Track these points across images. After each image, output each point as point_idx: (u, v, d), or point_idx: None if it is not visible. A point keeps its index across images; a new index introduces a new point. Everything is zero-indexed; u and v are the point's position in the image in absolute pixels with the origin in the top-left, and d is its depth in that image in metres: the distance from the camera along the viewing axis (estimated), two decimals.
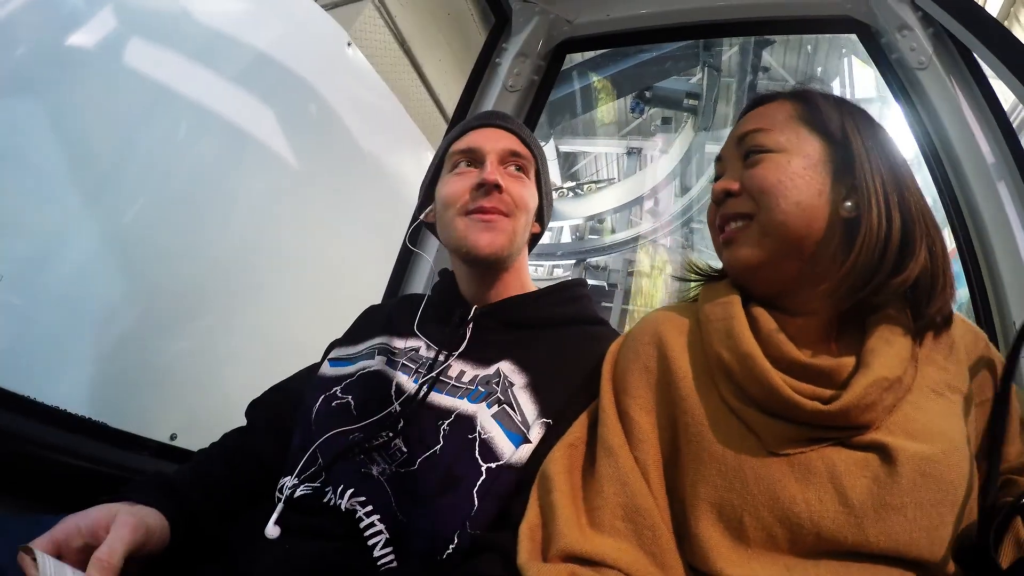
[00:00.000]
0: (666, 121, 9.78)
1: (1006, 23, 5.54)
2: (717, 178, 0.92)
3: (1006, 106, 1.46)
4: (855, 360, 0.77)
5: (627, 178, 11.12)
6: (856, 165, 0.81)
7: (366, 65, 2.45)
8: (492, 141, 1.14)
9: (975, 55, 1.43)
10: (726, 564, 0.72)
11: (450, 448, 0.92)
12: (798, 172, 0.82)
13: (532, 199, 1.15)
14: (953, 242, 1.47)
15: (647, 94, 8.91)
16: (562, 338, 1.08)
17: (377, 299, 1.63)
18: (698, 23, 1.76)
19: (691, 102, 8.79)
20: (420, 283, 1.79)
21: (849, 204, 0.80)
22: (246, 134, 1.83)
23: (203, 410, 1.56)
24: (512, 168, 1.14)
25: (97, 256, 1.45)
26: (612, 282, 11.42)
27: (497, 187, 1.07)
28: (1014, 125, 1.44)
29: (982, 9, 1.41)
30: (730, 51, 8.17)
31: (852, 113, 0.87)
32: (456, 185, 1.11)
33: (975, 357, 0.83)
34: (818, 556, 0.70)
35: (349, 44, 2.38)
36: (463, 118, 1.88)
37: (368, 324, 1.22)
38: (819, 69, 8.94)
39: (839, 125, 0.85)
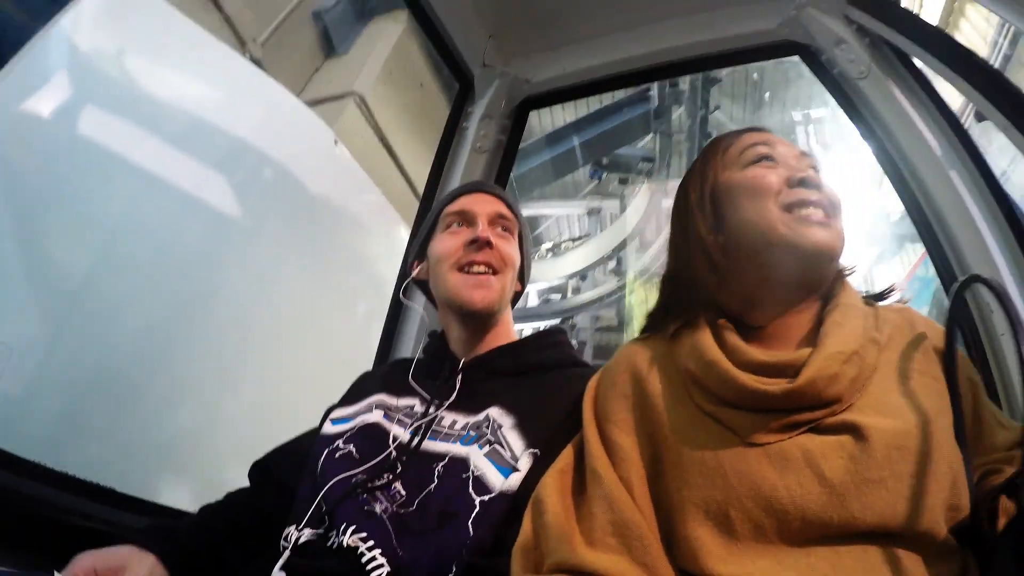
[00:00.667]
0: (623, 181, 10.30)
1: (949, 23, 5.76)
2: (766, 156, 0.95)
3: (952, 102, 1.51)
4: (812, 350, 0.81)
5: (600, 234, 11.38)
6: None
7: (350, 160, 2.58)
8: (482, 204, 1.25)
9: (912, 58, 1.50)
10: (716, 562, 0.73)
11: (445, 487, 0.97)
12: None
13: (517, 257, 1.26)
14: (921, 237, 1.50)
15: (604, 161, 9.53)
16: (545, 381, 1.15)
17: (366, 363, 1.65)
18: (648, 67, 1.86)
19: (646, 165, 9.46)
20: (408, 345, 1.81)
21: None
22: (239, 223, 1.90)
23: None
24: (500, 229, 1.24)
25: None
26: (580, 339, 11.44)
27: (488, 244, 1.17)
28: (964, 121, 1.48)
29: (911, 13, 1.49)
30: (679, 110, 8.74)
31: None
32: (450, 242, 1.21)
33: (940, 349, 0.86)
34: (808, 544, 0.71)
35: (336, 142, 2.51)
36: (437, 180, 1.97)
37: (363, 387, 1.28)
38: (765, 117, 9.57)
39: None
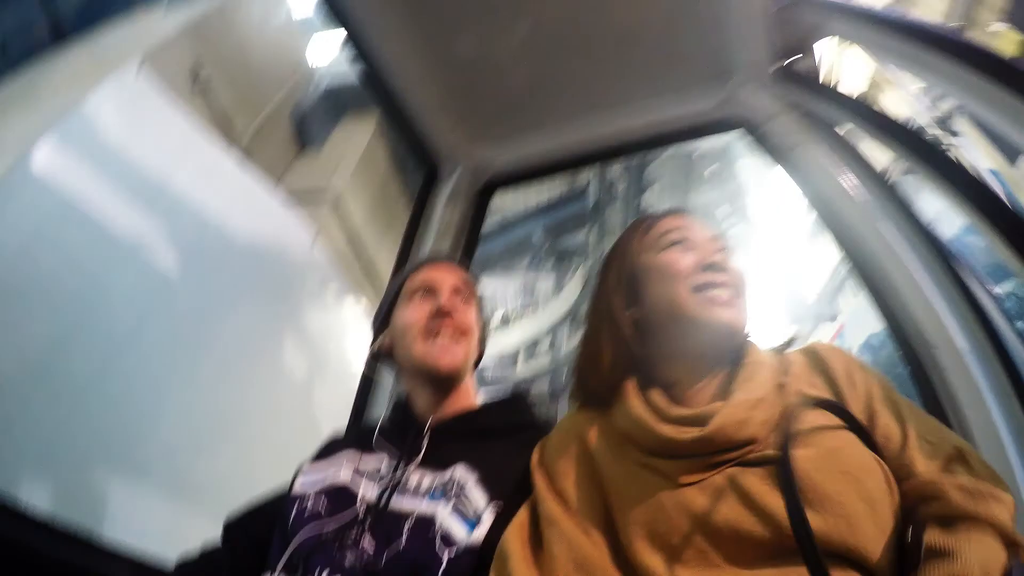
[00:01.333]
0: (560, 260, 11.39)
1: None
2: (680, 240, 1.06)
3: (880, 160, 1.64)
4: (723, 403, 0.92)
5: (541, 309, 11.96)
6: None
7: (324, 259, 2.66)
8: (444, 276, 1.33)
9: (834, 126, 1.64)
10: None
11: (413, 544, 1.00)
12: None
13: (477, 325, 1.33)
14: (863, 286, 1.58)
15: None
16: (510, 442, 1.18)
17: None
18: (603, 148, 2.00)
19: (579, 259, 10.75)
20: (377, 411, 1.79)
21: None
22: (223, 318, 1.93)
23: None
24: (460, 298, 1.31)
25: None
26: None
27: (454, 311, 1.25)
28: (890, 176, 1.60)
29: (831, 88, 1.65)
30: (615, 205, 9.78)
31: None
32: (415, 312, 1.27)
33: (847, 383, 0.94)
34: (754, 565, 0.76)
35: (313, 244, 2.59)
36: (405, 259, 2.02)
37: (333, 447, 1.29)
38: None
39: None
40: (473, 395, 1.33)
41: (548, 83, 1.90)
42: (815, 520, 0.74)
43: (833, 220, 1.62)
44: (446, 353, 1.22)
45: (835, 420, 0.86)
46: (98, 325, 1.61)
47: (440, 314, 1.24)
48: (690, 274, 1.00)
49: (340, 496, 1.11)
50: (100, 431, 1.57)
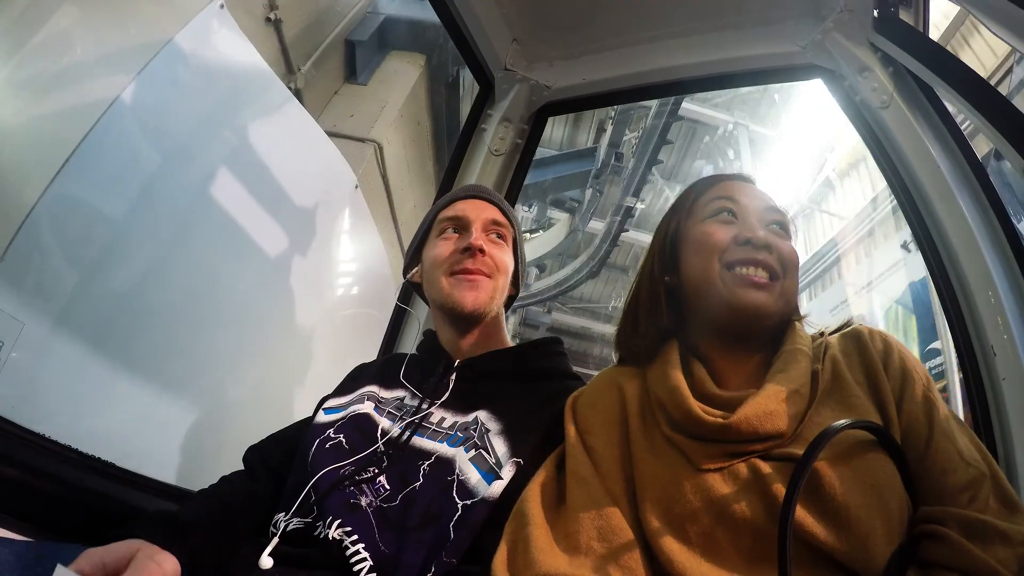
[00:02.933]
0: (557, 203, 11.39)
1: (950, 46, 5.65)
2: (719, 211, 1.02)
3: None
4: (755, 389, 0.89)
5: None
6: None
7: (364, 205, 2.65)
8: (477, 211, 1.28)
9: (935, 90, 1.47)
10: (677, 566, 0.78)
11: (430, 486, 1.00)
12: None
13: (511, 263, 1.30)
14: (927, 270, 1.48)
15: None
16: (537, 390, 1.18)
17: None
18: (668, 81, 1.85)
19: (572, 203, 10.98)
20: (410, 342, 1.83)
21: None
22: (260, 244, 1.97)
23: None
24: (494, 236, 1.27)
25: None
26: None
27: (481, 251, 1.20)
28: (978, 154, 1.45)
29: (938, 45, 1.46)
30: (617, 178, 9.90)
31: None
32: (444, 248, 1.24)
33: (882, 364, 0.91)
34: (762, 560, 0.75)
35: (356, 187, 2.58)
36: (452, 181, 1.98)
37: (357, 378, 1.32)
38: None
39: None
40: (504, 334, 1.32)
41: (617, 3, 1.74)
42: (829, 531, 0.73)
43: (911, 192, 1.50)
44: (471, 292, 1.19)
45: (868, 435, 0.81)
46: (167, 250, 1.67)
47: (468, 251, 1.20)
48: (726, 248, 0.96)
49: (361, 429, 1.12)
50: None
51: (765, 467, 0.80)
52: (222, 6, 1.87)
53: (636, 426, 0.94)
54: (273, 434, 1.28)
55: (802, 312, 1.04)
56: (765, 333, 0.97)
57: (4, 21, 1.36)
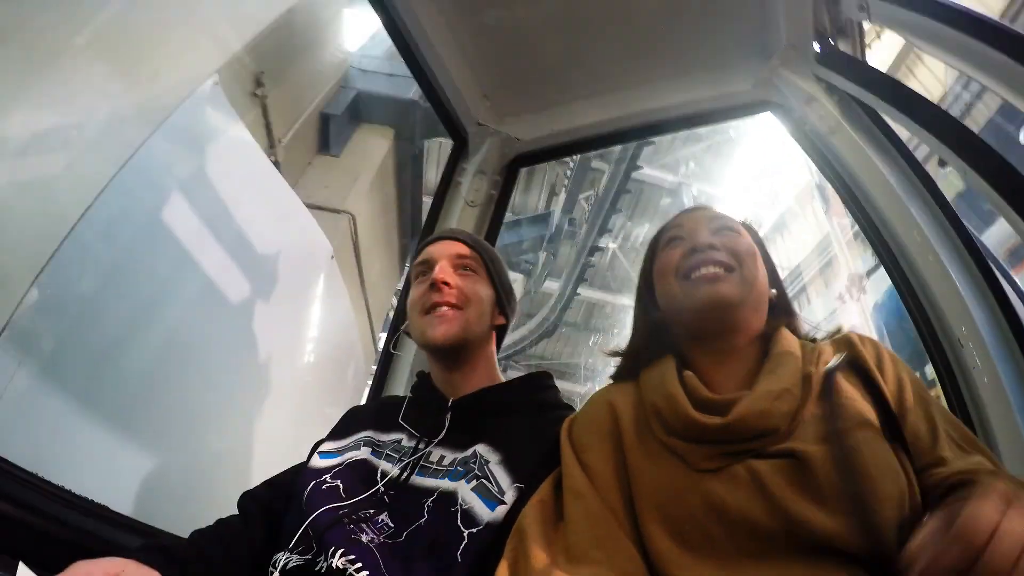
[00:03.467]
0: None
1: (899, 74, 6.06)
2: (669, 241, 1.09)
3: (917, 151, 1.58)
4: (748, 391, 0.91)
5: None
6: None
7: (338, 274, 2.74)
8: (441, 249, 1.32)
9: (877, 111, 1.58)
10: (675, 568, 0.80)
11: (435, 520, 1.01)
12: (755, 251, 1.05)
13: (483, 291, 1.29)
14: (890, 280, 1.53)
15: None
16: (532, 422, 1.19)
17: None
18: (631, 127, 1.97)
19: (528, 265, 11.72)
20: (398, 385, 1.82)
21: (773, 292, 1.07)
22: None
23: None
24: (460, 268, 1.29)
25: None
26: None
27: (445, 283, 1.23)
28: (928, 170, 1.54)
29: (876, 71, 1.58)
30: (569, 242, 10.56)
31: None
32: (416, 291, 1.28)
33: (877, 369, 0.94)
34: (761, 558, 0.77)
35: (332, 257, 2.67)
36: (431, 231, 2.03)
37: (352, 422, 1.31)
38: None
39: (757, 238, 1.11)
40: (496, 369, 1.32)
41: (581, 57, 1.88)
42: (834, 520, 0.74)
43: (867, 209, 1.57)
44: (441, 325, 1.20)
45: (870, 418, 0.85)
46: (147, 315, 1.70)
47: (433, 287, 1.23)
48: (678, 264, 1.02)
49: (359, 472, 1.12)
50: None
51: (761, 465, 0.82)
52: (216, 83, 1.99)
53: (631, 436, 0.96)
54: (268, 480, 1.26)
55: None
56: (744, 326, 1.00)
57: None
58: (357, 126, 4.56)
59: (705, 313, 0.98)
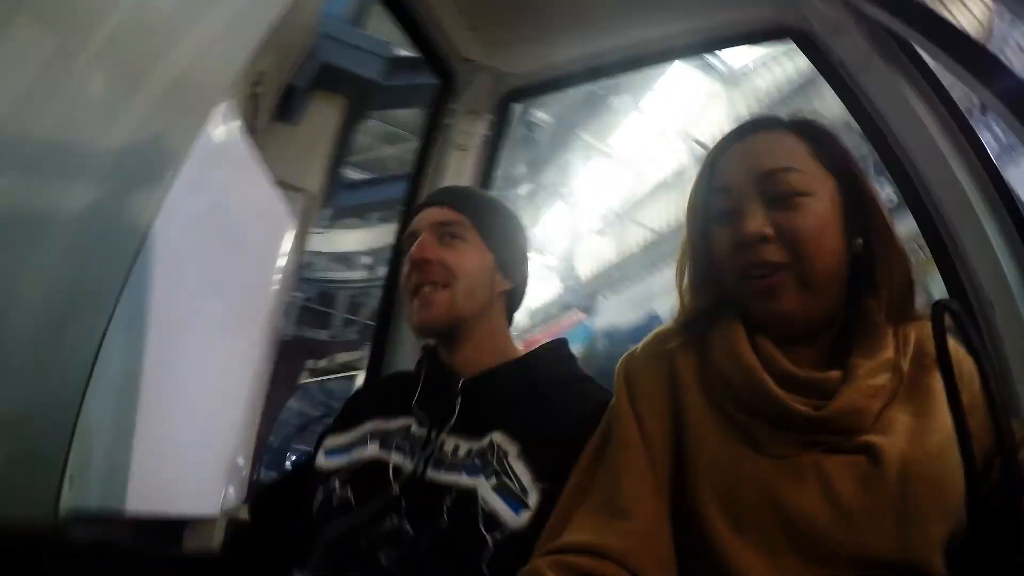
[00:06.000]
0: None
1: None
2: (723, 211, 0.88)
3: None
4: (842, 373, 0.80)
5: None
6: (868, 205, 0.85)
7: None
8: (423, 220, 1.18)
9: (915, 45, 1.44)
10: (727, 545, 0.75)
11: (456, 525, 0.95)
12: (828, 217, 0.83)
13: (472, 260, 1.15)
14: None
15: None
16: (551, 400, 1.10)
17: None
18: (639, 55, 1.77)
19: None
20: (402, 357, 1.77)
21: (860, 241, 0.85)
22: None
23: None
24: (446, 237, 1.15)
25: None
26: None
27: (424, 260, 1.11)
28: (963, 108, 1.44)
29: (912, 2, 1.42)
30: None
31: (843, 145, 0.89)
32: (404, 269, 1.16)
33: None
34: (815, 560, 0.72)
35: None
36: (418, 186, 1.88)
37: (358, 409, 1.23)
38: None
39: (844, 163, 0.87)
40: (507, 340, 1.22)
41: None
42: (896, 530, 0.71)
43: (895, 158, 1.48)
44: (421, 311, 1.11)
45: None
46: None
47: (413, 265, 1.12)
48: (731, 256, 0.86)
49: (371, 476, 1.05)
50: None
51: (829, 462, 0.75)
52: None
53: (696, 399, 0.85)
54: (274, 484, 1.25)
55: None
56: (817, 315, 0.85)
57: None
58: (313, 93, 4.08)
59: (771, 326, 0.85)
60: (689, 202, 0.96)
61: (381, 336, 1.79)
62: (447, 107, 1.88)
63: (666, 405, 0.87)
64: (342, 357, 7.37)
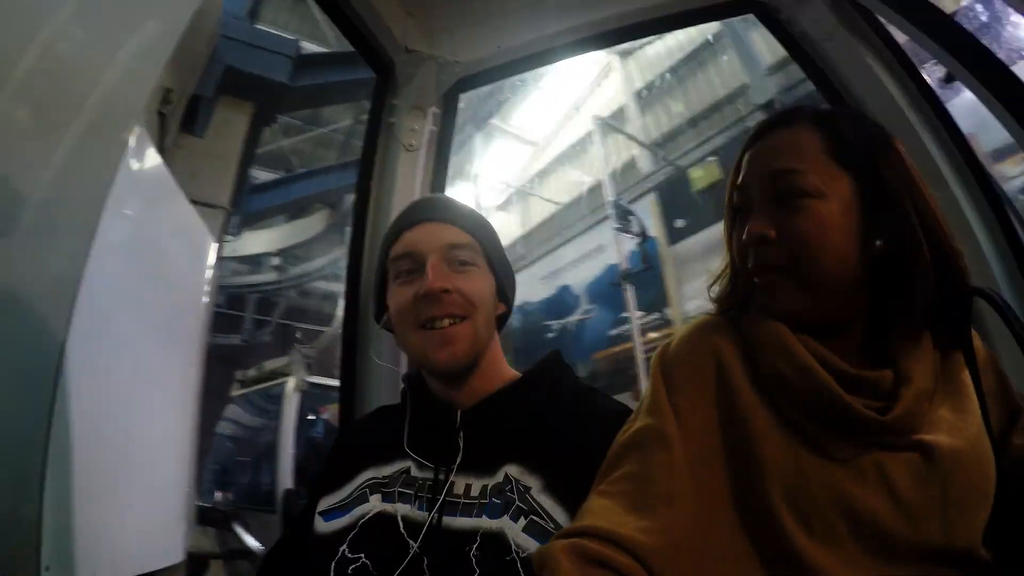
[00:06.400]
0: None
1: None
2: (739, 208, 0.88)
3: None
4: (892, 373, 0.79)
5: None
6: (890, 202, 0.81)
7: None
8: (429, 239, 1.04)
9: (877, 16, 1.43)
10: (803, 544, 0.73)
11: (490, 573, 0.85)
12: (836, 220, 0.80)
13: (487, 287, 1.06)
14: None
15: None
16: (560, 422, 1.00)
17: None
18: (593, 34, 1.66)
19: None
20: (374, 393, 1.61)
21: (880, 243, 0.80)
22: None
23: None
24: (456, 264, 1.03)
25: None
26: None
27: (445, 291, 0.99)
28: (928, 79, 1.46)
29: None
30: None
31: (874, 138, 0.84)
32: (403, 296, 1.02)
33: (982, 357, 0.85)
34: (884, 556, 0.72)
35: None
36: (367, 191, 1.69)
37: (348, 459, 1.09)
38: None
39: (866, 157, 0.82)
40: (502, 363, 1.10)
41: None
42: (952, 522, 0.73)
43: None
44: (446, 347, 0.99)
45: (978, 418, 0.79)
46: None
47: (428, 298, 0.99)
48: (744, 255, 0.87)
49: (384, 536, 0.94)
50: None
51: (888, 461, 0.75)
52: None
53: (750, 399, 0.81)
54: (271, 554, 1.12)
55: None
56: (832, 310, 0.83)
57: None
58: (219, 101, 3.60)
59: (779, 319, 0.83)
60: (725, 197, 0.94)
61: (349, 366, 1.62)
62: (387, 103, 1.68)
63: (714, 401, 0.82)
64: (270, 364, 6.96)
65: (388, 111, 1.69)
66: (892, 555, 0.72)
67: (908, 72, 1.44)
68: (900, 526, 0.72)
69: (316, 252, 10.96)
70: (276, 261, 10.79)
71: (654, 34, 1.63)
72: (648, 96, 11.43)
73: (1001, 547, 0.76)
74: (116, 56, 0.90)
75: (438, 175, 1.75)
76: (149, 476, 1.71)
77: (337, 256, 10.57)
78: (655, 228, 10.35)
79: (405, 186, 1.66)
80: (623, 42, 1.90)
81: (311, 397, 5.95)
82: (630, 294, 9.78)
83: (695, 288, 9.27)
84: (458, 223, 1.06)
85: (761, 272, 0.83)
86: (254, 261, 11.24)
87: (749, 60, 8.98)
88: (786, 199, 0.81)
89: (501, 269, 1.10)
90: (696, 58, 10.41)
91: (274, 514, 4.59)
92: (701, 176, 9.86)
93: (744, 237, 0.84)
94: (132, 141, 1.33)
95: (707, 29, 9.70)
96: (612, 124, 11.21)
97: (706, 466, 0.79)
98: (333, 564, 0.93)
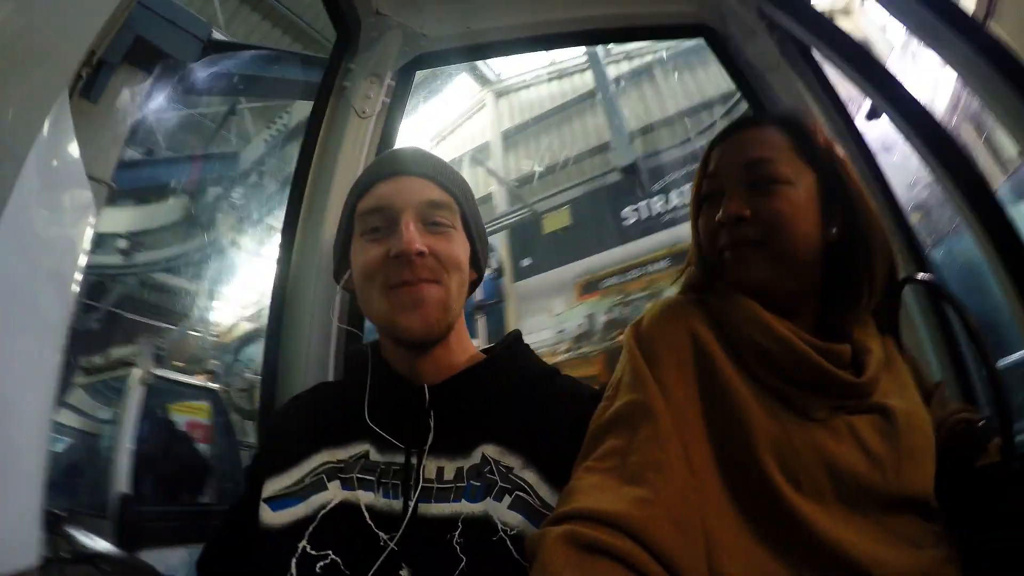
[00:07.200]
0: None
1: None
2: (708, 195, 0.99)
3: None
4: (850, 347, 0.90)
5: None
6: (846, 198, 0.94)
7: None
8: (406, 194, 0.95)
9: (814, 53, 1.61)
10: (796, 502, 0.77)
11: (478, 560, 0.78)
12: (803, 205, 0.91)
13: (463, 253, 0.98)
14: None
15: None
16: (531, 398, 0.95)
17: None
18: (555, 33, 1.70)
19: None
20: (300, 370, 1.45)
21: (834, 230, 0.94)
22: None
23: None
24: (432, 224, 0.95)
25: None
26: None
27: (420, 254, 0.90)
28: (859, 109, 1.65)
29: (819, 13, 1.58)
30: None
31: (827, 145, 0.98)
32: (372, 254, 0.92)
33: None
34: (863, 508, 0.79)
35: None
36: (310, 155, 1.57)
37: (295, 438, 0.97)
38: None
39: (826, 159, 0.95)
40: (467, 339, 1.03)
41: None
42: (910, 471, 0.82)
43: None
44: (417, 312, 0.90)
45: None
46: None
47: (402, 259, 0.89)
48: (714, 235, 0.98)
49: (350, 528, 0.84)
50: None
51: (857, 421, 0.84)
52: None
53: (731, 373, 0.85)
54: (214, 542, 0.98)
55: None
56: (794, 282, 0.92)
57: None
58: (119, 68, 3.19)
59: (745, 290, 0.92)
60: (692, 188, 1.05)
61: (273, 345, 1.45)
62: (344, 66, 1.59)
63: (693, 374, 0.86)
64: (116, 352, 6.03)
65: (343, 74, 1.59)
66: (868, 505, 0.79)
67: (834, 106, 1.62)
68: (876, 477, 0.79)
69: (166, 242, 9.85)
70: (123, 244, 9.47)
71: (610, 42, 1.70)
72: (515, 137, 11.97)
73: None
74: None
75: (385, 148, 1.66)
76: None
77: (187, 250, 9.62)
78: (503, 263, 10.73)
79: (351, 154, 1.56)
80: (577, 44, 1.95)
81: (159, 393, 5.17)
82: (482, 324, 9.90)
83: (535, 323, 9.58)
84: (438, 179, 0.98)
85: (735, 247, 0.93)
86: (97, 241, 9.67)
87: (616, 122, 9.47)
88: (759, 184, 0.93)
89: (478, 233, 1.04)
90: (566, 109, 11.09)
91: (104, 519, 3.90)
92: (553, 221, 10.32)
93: (720, 216, 0.94)
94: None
95: (582, 85, 10.48)
96: (477, 158, 11.57)
97: (691, 435, 0.81)
98: (294, 561, 0.81)
